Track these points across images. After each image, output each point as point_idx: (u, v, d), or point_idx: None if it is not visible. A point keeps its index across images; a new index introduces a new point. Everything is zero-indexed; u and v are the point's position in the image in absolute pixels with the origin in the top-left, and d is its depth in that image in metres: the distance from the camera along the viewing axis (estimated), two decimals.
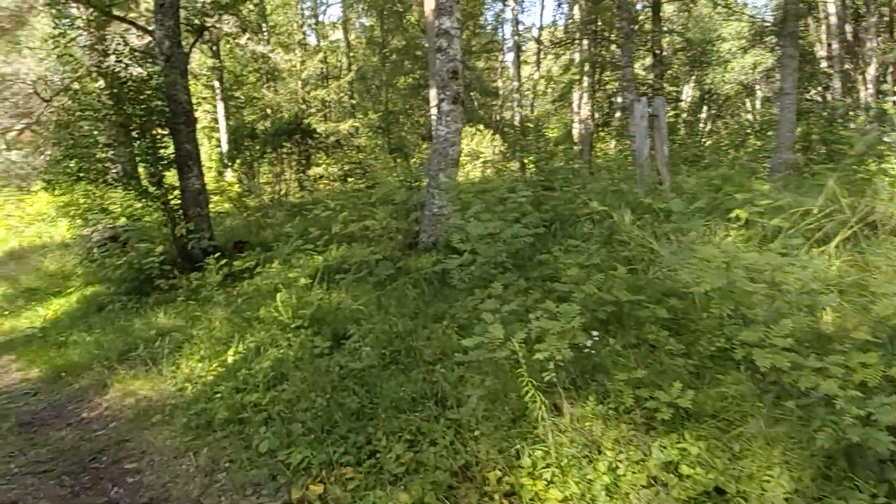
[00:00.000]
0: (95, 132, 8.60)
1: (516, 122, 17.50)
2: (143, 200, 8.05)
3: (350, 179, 16.51)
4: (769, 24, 20.83)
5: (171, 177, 8.49)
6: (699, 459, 2.65)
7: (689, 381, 3.06)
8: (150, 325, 6.11)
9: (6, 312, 7.83)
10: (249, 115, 23.44)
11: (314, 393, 3.58)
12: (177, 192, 8.33)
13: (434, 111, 18.89)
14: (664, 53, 18.51)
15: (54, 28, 10.61)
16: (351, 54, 27.72)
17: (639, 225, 5.44)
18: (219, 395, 3.95)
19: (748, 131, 20.08)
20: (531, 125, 17.89)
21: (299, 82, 16.83)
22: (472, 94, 29.36)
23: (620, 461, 2.62)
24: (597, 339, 3.09)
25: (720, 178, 7.19)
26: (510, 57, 30.82)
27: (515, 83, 17.65)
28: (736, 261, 2.95)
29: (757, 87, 25.25)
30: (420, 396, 3.30)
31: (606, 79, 19.37)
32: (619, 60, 15.07)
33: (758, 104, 26.29)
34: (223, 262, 7.26)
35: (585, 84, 17.26)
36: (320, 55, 17.95)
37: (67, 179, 8.95)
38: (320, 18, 29.30)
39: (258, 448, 3.24)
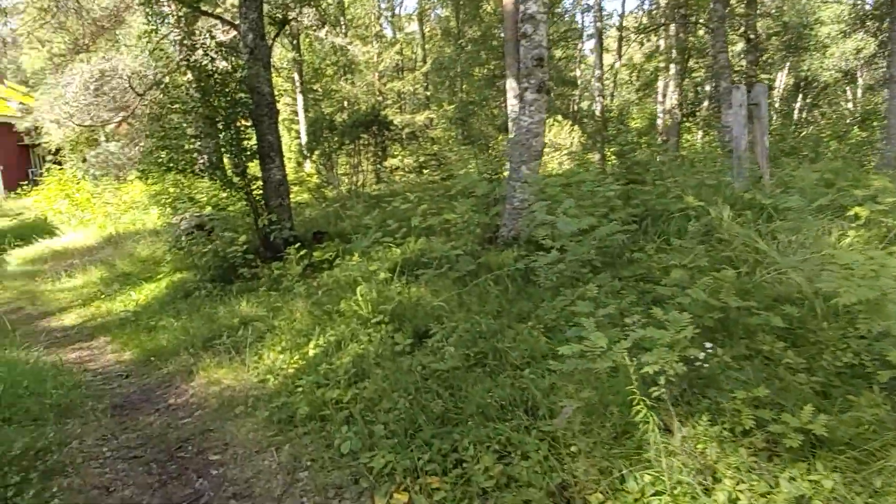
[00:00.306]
0: (184, 124, 8.92)
1: (597, 113, 16.87)
2: (228, 190, 8.25)
3: (425, 171, 16.49)
4: (871, 7, 19.10)
5: (254, 168, 8.67)
6: (834, 495, 2.31)
7: (816, 402, 2.70)
8: (234, 313, 6.22)
9: (103, 296, 8.24)
10: (327, 108, 23.93)
11: (396, 393, 3.46)
12: (259, 183, 8.49)
13: (511, 102, 18.53)
14: (758, 38, 17.31)
15: (147, 24, 11.08)
16: (426, 46, 27.73)
17: (740, 223, 5.00)
18: (300, 389, 3.90)
19: (850, 121, 18.53)
20: (613, 115, 17.22)
21: (376, 74, 16.90)
22: (549, 83, 28.68)
23: (741, 492, 2.31)
24: (710, 350, 2.78)
25: (831, 172, 6.54)
26: (588, 45, 29.88)
27: (597, 71, 17.00)
28: (886, 270, 2.55)
29: (858, 74, 23.30)
30: (508, 403, 3.10)
31: (694, 66, 18.35)
32: (709, 46, 14.19)
33: (859, 93, 24.28)
34: (303, 252, 7.32)
35: (672, 71, 16.39)
36: (397, 47, 17.95)
37: (158, 169, 9.33)
38: (396, 11, 29.48)
39: (340, 448, 3.15)
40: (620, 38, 24.29)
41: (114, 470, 3.37)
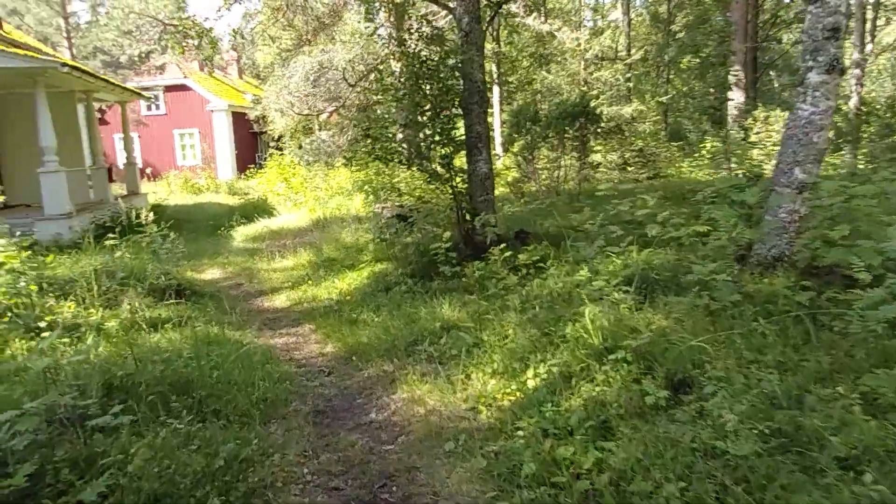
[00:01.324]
0: (388, 114, 8.86)
1: (851, 106, 14.01)
2: (433, 182, 7.93)
3: (630, 168, 15.09)
4: None
5: (459, 159, 8.27)
6: None
7: None
8: (435, 315, 5.78)
9: (310, 281, 8.45)
10: (520, 100, 23.35)
11: (658, 470, 2.58)
12: (463, 176, 8.06)
13: (735, 94, 16.27)
14: None
15: (365, 16, 11.33)
16: (632, 33, 25.81)
17: None
18: (521, 434, 3.20)
19: None
20: (876, 109, 14.19)
21: (581, 63, 15.82)
22: (772, 73, 25.09)
23: None
24: None
25: None
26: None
27: (856, 55, 14.09)
28: None
29: None
30: None
31: None
32: None
33: None
34: (508, 253, 6.69)
35: None
36: (607, 32, 16.65)
37: (364, 157, 9.38)
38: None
39: None
40: (875, 18, 20.19)
41: (313, 503, 2.96)
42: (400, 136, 14.87)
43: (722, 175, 12.55)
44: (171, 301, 7.11)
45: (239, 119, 30.46)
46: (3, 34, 15.05)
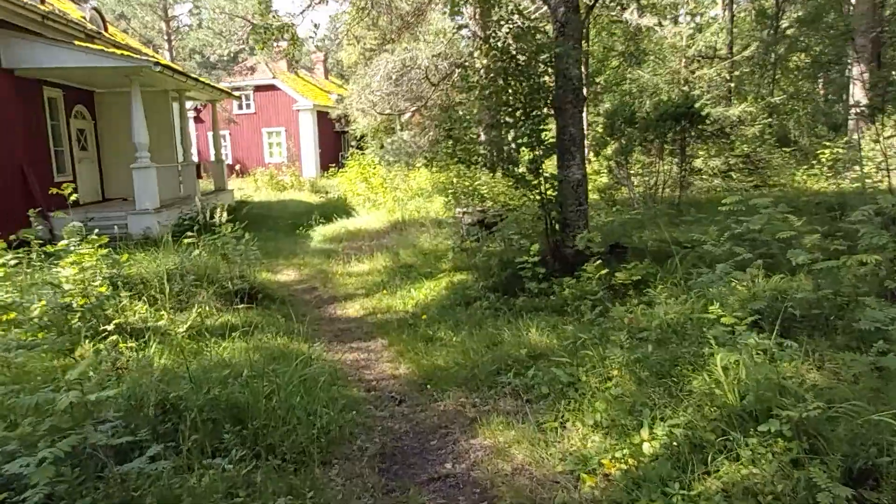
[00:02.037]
0: (470, 115, 8.27)
1: None
2: (520, 188, 7.24)
3: (734, 175, 13.75)
4: None
5: (547, 164, 7.54)
6: None
7: None
8: (521, 340, 5.10)
9: (385, 290, 7.98)
10: (607, 101, 22.10)
11: None
12: (553, 182, 7.32)
13: (857, 95, 14.51)
14: None
15: (451, 5, 10.77)
16: (734, 29, 23.88)
17: None
18: None
19: None
20: None
21: (682, 60, 14.59)
22: None
23: None
24: None
25: None
26: None
27: None
28: None
29: None
30: None
31: None
32: None
33: None
34: (604, 271, 5.92)
35: None
36: (714, 27, 15.30)
37: (445, 159, 8.82)
38: None
39: None
40: None
41: None
42: (483, 136, 14.31)
43: (845, 185, 11.11)
44: (242, 306, 6.83)
45: (323, 118, 30.95)
46: (107, 36, 15.71)
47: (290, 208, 18.08)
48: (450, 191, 11.49)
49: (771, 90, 20.81)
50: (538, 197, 7.12)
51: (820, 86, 24.08)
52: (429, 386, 4.66)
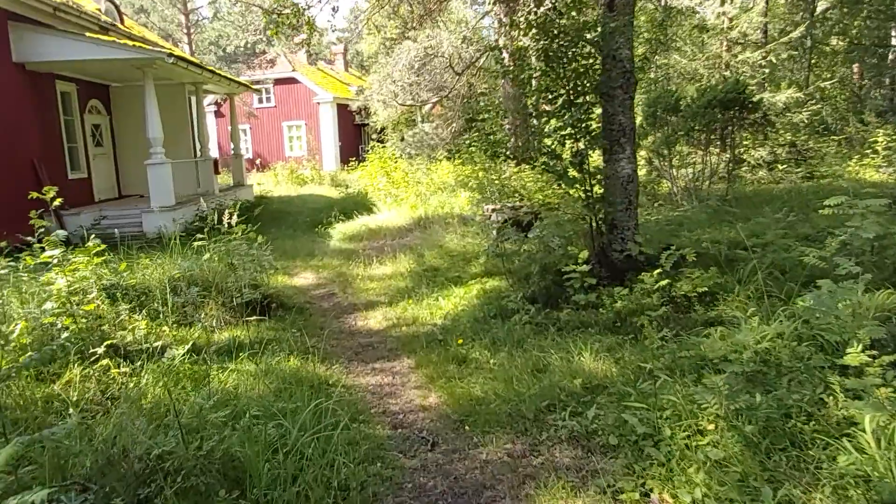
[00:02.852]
0: (492, 105, 7.50)
1: None
2: (562, 185, 6.45)
3: (780, 166, 12.73)
4: None
5: (593, 158, 6.74)
6: None
7: None
8: (572, 367, 4.34)
9: (410, 298, 7.25)
10: (642, 88, 21.03)
11: None
12: (599, 177, 6.51)
13: None
14: None
15: None
16: (768, 12, 22.58)
17: None
18: None
19: None
20: None
21: (724, 44, 13.56)
22: None
23: None
24: None
25: None
26: None
27: None
28: None
29: None
30: None
31: None
32: None
33: None
34: (665, 281, 5.12)
35: None
36: (759, 6, 14.22)
37: (467, 150, 8.03)
38: None
39: None
40: None
41: None
42: (507, 127, 13.46)
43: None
44: (254, 318, 6.17)
45: (343, 111, 30.33)
46: (122, 29, 15.20)
47: (309, 204, 17.47)
48: (474, 185, 10.71)
49: (807, 76, 19.59)
50: (583, 195, 6.31)
51: (854, 70, 22.64)
52: (467, 426, 3.92)
